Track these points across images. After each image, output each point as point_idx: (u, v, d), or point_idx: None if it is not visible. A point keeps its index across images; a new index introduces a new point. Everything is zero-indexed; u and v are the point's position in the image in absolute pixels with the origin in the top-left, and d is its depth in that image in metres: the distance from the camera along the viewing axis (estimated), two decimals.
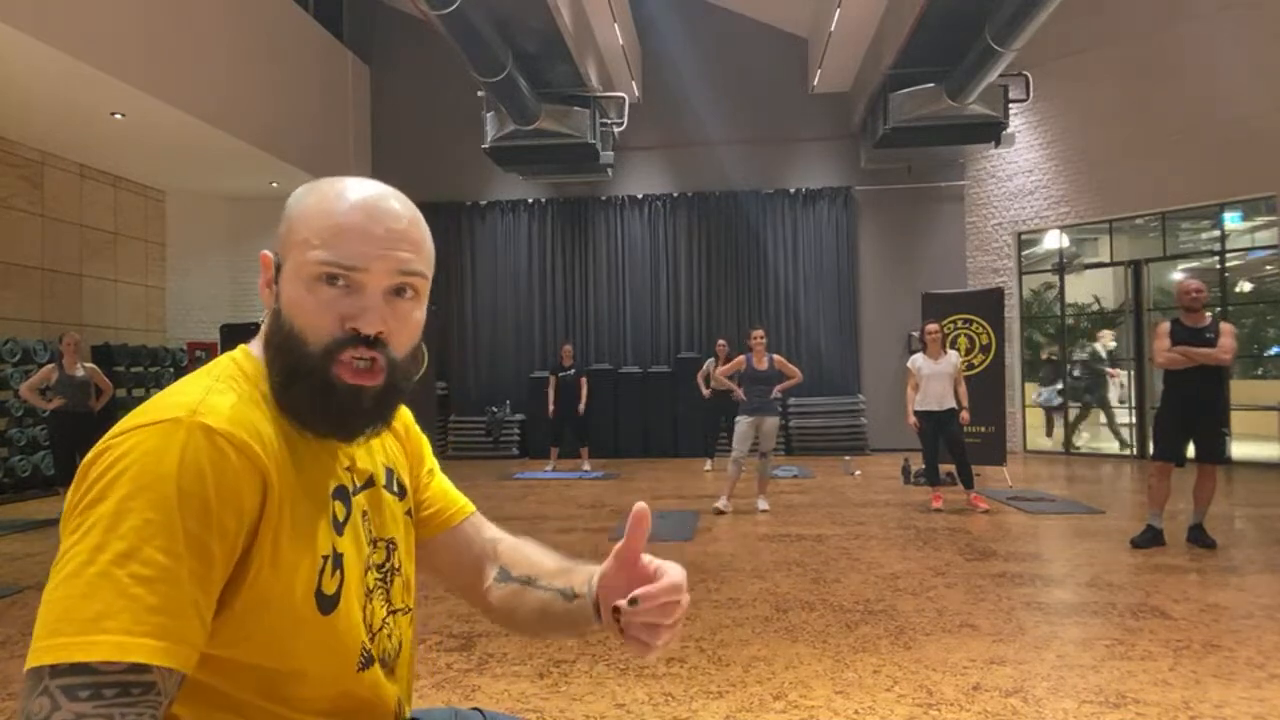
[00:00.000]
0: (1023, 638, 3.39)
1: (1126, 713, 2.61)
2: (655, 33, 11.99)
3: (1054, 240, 11.13)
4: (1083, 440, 10.99)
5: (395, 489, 0.99)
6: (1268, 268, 10.06)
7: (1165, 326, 5.13)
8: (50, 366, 7.07)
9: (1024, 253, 11.32)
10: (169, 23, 8.04)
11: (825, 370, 11.55)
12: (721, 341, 9.87)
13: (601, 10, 9.52)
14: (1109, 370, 10.70)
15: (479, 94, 9.97)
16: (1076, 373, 10.92)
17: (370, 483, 0.94)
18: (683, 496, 7.70)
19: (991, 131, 9.95)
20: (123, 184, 10.69)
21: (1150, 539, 5.06)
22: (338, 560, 0.85)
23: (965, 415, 6.63)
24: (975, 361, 8.47)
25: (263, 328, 0.88)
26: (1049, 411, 11.32)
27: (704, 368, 9.72)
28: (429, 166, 12.16)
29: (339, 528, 0.86)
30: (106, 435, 0.75)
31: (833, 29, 9.69)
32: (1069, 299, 11.15)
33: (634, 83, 11.38)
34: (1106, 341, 10.81)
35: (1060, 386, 11.02)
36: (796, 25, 11.80)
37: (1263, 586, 4.13)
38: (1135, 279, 10.35)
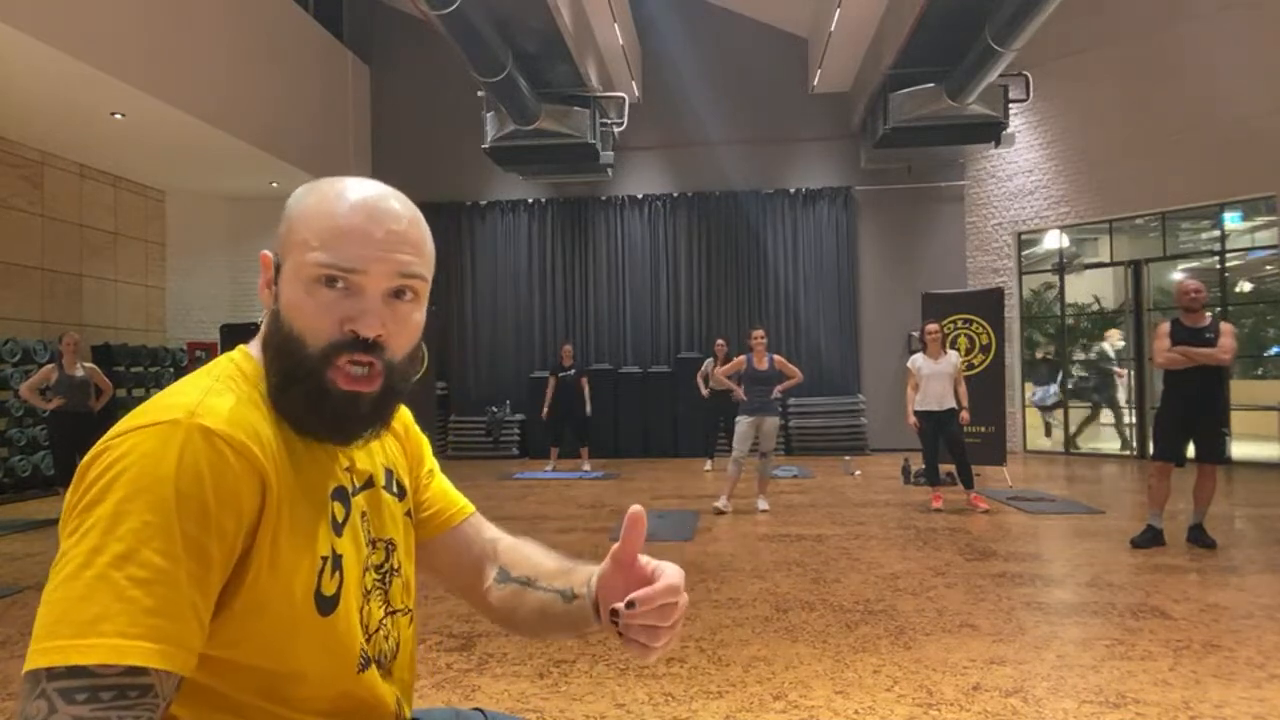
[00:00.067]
0: (1023, 638, 3.39)
1: (1126, 713, 2.61)
2: (655, 33, 11.99)
3: (1054, 240, 11.13)
4: (1084, 439, 10.99)
5: (395, 490, 0.99)
6: (1268, 268, 10.05)
7: (1165, 327, 5.13)
8: (50, 366, 7.07)
9: (1024, 253, 11.32)
10: (169, 23, 8.04)
11: (825, 370, 11.55)
12: (720, 341, 9.86)
13: (601, 10, 9.52)
14: (1116, 370, 10.69)
15: (479, 94, 9.97)
16: (1083, 373, 10.91)
17: (369, 483, 0.94)
18: (682, 496, 7.69)
19: (991, 131, 9.95)
20: (123, 184, 10.69)
21: (1150, 539, 5.06)
22: (337, 561, 0.84)
23: (965, 415, 6.63)
24: (975, 361, 8.47)
25: (262, 329, 0.88)
26: (1043, 411, 11.32)
27: (703, 367, 9.73)
28: (429, 166, 12.16)
29: (338, 529, 0.86)
30: (105, 436, 0.75)
31: (833, 29, 9.69)
32: (1069, 299, 11.15)
33: (634, 83, 11.38)
34: (1114, 341, 10.80)
35: (1054, 387, 11.02)
36: (796, 25, 11.80)
37: (1263, 586, 4.13)
38: (1135, 279, 10.35)
